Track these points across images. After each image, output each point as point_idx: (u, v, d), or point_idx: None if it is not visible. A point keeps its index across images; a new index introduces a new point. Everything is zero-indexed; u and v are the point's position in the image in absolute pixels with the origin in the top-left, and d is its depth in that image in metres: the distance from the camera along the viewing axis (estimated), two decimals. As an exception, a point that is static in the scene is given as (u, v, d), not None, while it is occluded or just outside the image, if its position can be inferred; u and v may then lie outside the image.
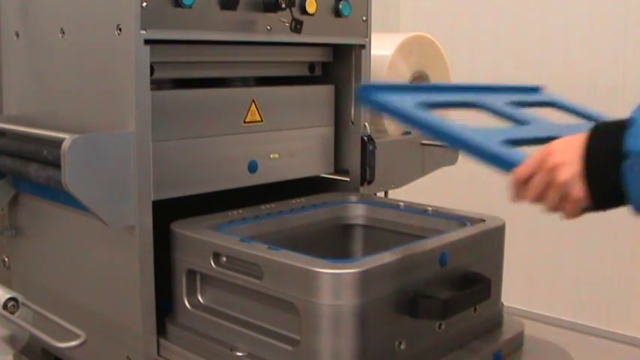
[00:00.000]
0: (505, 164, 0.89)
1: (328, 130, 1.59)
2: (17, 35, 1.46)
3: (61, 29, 1.32)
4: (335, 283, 1.03)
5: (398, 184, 1.72)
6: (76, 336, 1.09)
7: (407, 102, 1.01)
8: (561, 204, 0.85)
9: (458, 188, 2.53)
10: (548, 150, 0.85)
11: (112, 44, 1.21)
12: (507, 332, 1.34)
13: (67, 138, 1.14)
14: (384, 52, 1.75)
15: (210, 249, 1.19)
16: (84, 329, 1.11)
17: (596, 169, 0.81)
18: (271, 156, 1.47)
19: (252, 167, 1.43)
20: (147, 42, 1.18)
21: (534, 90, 1.29)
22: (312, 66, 1.59)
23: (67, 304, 1.41)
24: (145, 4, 1.17)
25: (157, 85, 1.31)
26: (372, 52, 1.58)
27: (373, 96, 1.02)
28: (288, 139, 1.51)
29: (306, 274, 1.05)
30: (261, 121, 1.45)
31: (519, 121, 1.08)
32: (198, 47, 1.35)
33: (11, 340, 1.32)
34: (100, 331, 1.31)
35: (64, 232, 1.42)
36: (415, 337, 1.14)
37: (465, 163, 1.96)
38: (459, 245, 1.21)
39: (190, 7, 1.22)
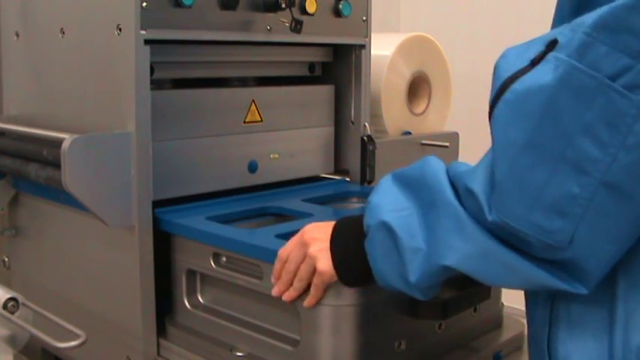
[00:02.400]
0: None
1: (328, 130, 1.59)
2: (17, 35, 1.46)
3: (61, 29, 1.32)
4: (335, 283, 1.02)
5: (398, 184, 1.72)
6: (76, 336, 1.09)
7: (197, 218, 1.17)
8: (311, 277, 0.97)
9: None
10: (305, 229, 0.97)
11: (112, 44, 1.21)
12: (507, 332, 1.34)
13: (67, 138, 1.14)
14: (384, 52, 1.75)
15: (210, 249, 1.19)
16: (84, 329, 1.11)
17: (340, 246, 0.92)
18: (271, 156, 1.47)
19: (252, 167, 1.43)
20: (147, 42, 1.18)
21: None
22: (312, 66, 1.59)
23: (67, 304, 1.41)
24: (144, 4, 1.17)
25: (157, 85, 1.31)
26: (372, 52, 1.58)
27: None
28: (288, 139, 1.51)
29: None
30: (261, 121, 1.45)
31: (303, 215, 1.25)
32: (198, 47, 1.35)
33: (11, 340, 1.31)
34: (100, 331, 1.30)
35: (64, 232, 1.42)
36: (415, 337, 1.14)
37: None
38: None
39: (190, 7, 1.22)
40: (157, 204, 1.25)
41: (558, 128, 0.67)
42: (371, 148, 1.58)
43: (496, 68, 0.74)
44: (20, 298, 1.14)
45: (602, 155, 0.66)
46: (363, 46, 1.56)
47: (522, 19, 2.67)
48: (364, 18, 1.55)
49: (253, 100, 1.43)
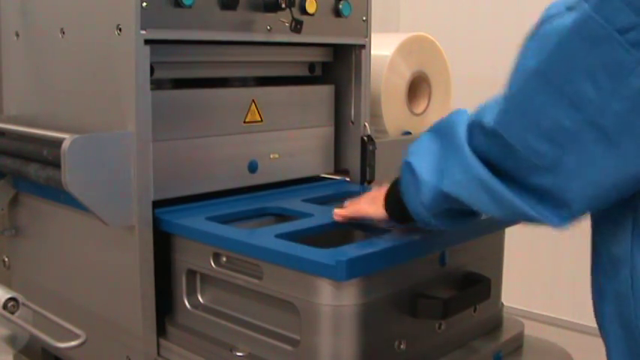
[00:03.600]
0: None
1: (328, 130, 1.59)
2: (17, 35, 1.46)
3: (61, 29, 1.32)
4: (335, 284, 1.03)
5: (398, 184, 1.72)
6: (76, 336, 1.09)
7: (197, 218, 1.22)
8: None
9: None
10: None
11: (112, 44, 1.21)
12: (507, 332, 1.34)
13: (67, 138, 1.14)
14: (384, 52, 1.75)
15: (210, 249, 1.19)
16: (84, 329, 1.10)
17: (389, 192, 1.10)
18: (271, 156, 1.47)
19: (252, 167, 1.43)
20: (147, 42, 1.18)
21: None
22: (312, 66, 1.59)
23: (67, 304, 1.41)
24: (144, 4, 1.17)
25: (157, 85, 1.31)
26: (372, 52, 1.58)
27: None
28: (288, 139, 1.51)
29: (307, 275, 1.05)
30: (261, 121, 1.45)
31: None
32: (198, 47, 1.34)
33: (11, 340, 1.31)
34: (100, 331, 1.31)
35: (64, 232, 1.42)
36: (415, 337, 1.14)
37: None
38: (459, 244, 1.21)
39: (190, 7, 1.22)
40: (157, 204, 1.25)
41: (564, 64, 0.75)
42: (371, 148, 1.58)
43: (543, 13, 0.82)
44: (20, 298, 1.14)
45: (597, 98, 0.73)
46: (363, 46, 1.56)
47: (522, 19, 2.66)
48: (364, 18, 1.55)
49: (253, 100, 1.43)
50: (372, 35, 1.56)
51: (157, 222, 1.24)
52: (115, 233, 1.25)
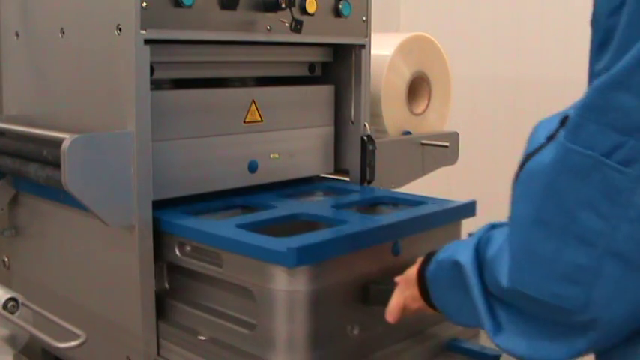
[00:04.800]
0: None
1: (328, 130, 1.59)
2: (17, 35, 1.46)
3: (61, 29, 1.32)
4: (288, 270, 1.08)
5: (398, 184, 1.72)
6: (76, 336, 1.09)
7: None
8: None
9: (458, 188, 2.54)
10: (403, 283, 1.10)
11: (112, 44, 1.21)
12: None
13: (67, 138, 1.14)
14: (384, 52, 1.75)
15: (176, 239, 1.23)
16: (84, 329, 1.10)
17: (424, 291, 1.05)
18: (271, 156, 1.47)
19: (252, 167, 1.43)
20: (147, 42, 1.18)
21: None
22: (312, 66, 1.59)
23: (67, 304, 1.41)
24: (144, 4, 1.17)
25: (157, 85, 1.31)
26: (372, 52, 1.58)
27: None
28: (288, 139, 1.51)
29: (261, 262, 1.11)
30: (261, 121, 1.45)
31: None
32: (198, 47, 1.34)
33: (11, 340, 1.31)
34: (100, 331, 1.31)
35: (64, 232, 1.42)
36: (368, 323, 1.18)
37: (465, 162, 1.96)
38: (414, 235, 1.24)
39: (190, 7, 1.22)
40: (157, 204, 1.25)
41: (561, 205, 0.72)
42: (371, 148, 1.58)
43: (528, 140, 0.79)
44: (20, 298, 1.14)
45: (605, 227, 0.70)
46: (363, 46, 1.56)
47: (522, 19, 2.67)
48: (364, 18, 1.55)
49: (253, 100, 1.43)
50: (372, 35, 1.56)
51: (156, 222, 1.24)
52: (115, 233, 1.25)
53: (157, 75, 1.29)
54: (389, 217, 1.35)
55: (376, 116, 1.72)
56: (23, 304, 1.15)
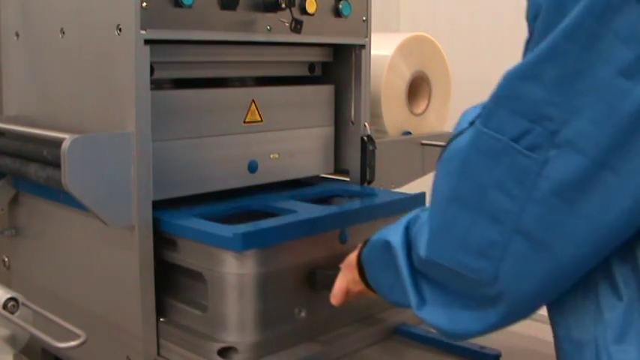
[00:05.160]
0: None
1: (328, 130, 1.59)
2: (17, 35, 1.46)
3: (61, 29, 1.32)
4: (236, 254, 1.16)
5: (398, 184, 1.72)
6: (76, 336, 1.09)
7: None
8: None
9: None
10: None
11: (112, 44, 1.21)
12: None
13: (67, 138, 1.14)
14: (384, 52, 1.75)
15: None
16: (84, 329, 1.10)
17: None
18: (271, 156, 1.47)
19: (252, 167, 1.43)
20: (147, 42, 1.18)
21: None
22: (312, 66, 1.59)
23: (67, 304, 1.41)
24: (144, 4, 1.17)
25: (157, 85, 1.31)
26: (372, 52, 1.58)
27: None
28: (288, 139, 1.50)
29: (212, 247, 1.18)
30: (261, 121, 1.45)
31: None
32: (198, 47, 1.34)
33: (11, 340, 1.31)
34: (100, 331, 1.31)
35: (64, 232, 1.42)
36: (315, 306, 1.25)
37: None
38: (362, 224, 1.27)
39: (190, 7, 1.22)
40: (157, 204, 1.25)
41: (475, 184, 0.78)
42: (371, 148, 1.58)
43: (455, 125, 0.86)
44: (20, 298, 1.14)
45: (513, 207, 0.75)
46: (363, 46, 1.56)
47: (522, 19, 2.67)
48: (364, 18, 1.55)
49: (253, 100, 1.43)
50: (372, 35, 1.56)
51: (156, 222, 1.24)
52: (115, 233, 1.25)
53: (157, 75, 1.29)
54: (337, 207, 1.40)
55: (376, 116, 1.72)
56: (23, 304, 1.15)
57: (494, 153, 0.76)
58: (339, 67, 1.60)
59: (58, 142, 1.16)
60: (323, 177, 1.64)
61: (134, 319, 1.24)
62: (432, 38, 1.86)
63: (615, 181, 0.70)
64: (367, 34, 1.56)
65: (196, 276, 1.23)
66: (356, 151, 1.59)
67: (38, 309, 1.16)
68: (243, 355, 1.18)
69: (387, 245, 0.97)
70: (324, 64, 1.61)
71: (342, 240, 1.30)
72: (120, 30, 1.19)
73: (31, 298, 1.18)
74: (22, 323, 1.13)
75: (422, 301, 0.92)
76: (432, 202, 0.85)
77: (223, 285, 1.18)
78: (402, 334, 1.36)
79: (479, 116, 0.78)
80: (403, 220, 0.97)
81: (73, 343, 1.08)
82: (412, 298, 0.92)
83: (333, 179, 1.65)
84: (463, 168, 0.79)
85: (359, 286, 1.11)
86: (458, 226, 0.81)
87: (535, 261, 0.76)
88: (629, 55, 0.67)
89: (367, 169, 1.58)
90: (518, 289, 0.79)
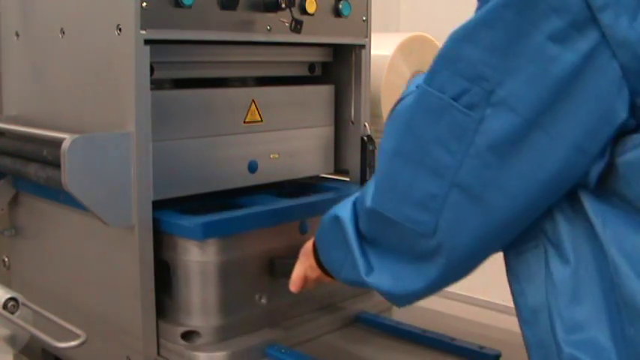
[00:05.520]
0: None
1: (328, 130, 1.59)
2: (17, 35, 1.46)
3: (61, 29, 1.32)
4: (198, 243, 1.23)
5: (398, 184, 1.72)
6: (76, 336, 1.09)
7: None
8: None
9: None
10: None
11: (112, 44, 1.21)
12: (377, 295, 1.42)
13: (67, 138, 1.14)
14: (384, 52, 1.75)
15: None
16: (84, 329, 1.11)
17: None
18: (271, 156, 1.47)
19: (252, 167, 1.43)
20: (147, 42, 1.18)
21: None
22: (312, 66, 1.59)
23: (67, 304, 1.41)
24: (144, 4, 1.17)
25: (157, 85, 1.31)
26: (372, 52, 1.58)
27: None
28: (288, 139, 1.51)
29: (175, 237, 1.25)
30: (261, 121, 1.45)
31: None
32: (198, 47, 1.35)
33: (11, 340, 1.32)
34: (100, 331, 1.31)
35: (64, 232, 1.42)
36: (275, 293, 1.32)
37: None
38: (319, 214, 1.25)
39: (190, 7, 1.22)
40: (156, 204, 1.25)
41: (417, 140, 0.83)
42: (371, 148, 1.58)
43: (405, 90, 0.91)
44: (20, 298, 1.14)
45: (452, 162, 0.79)
46: (363, 46, 1.56)
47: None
48: (364, 18, 1.55)
49: (253, 100, 1.43)
50: (372, 35, 1.56)
51: (156, 222, 1.25)
52: (115, 233, 1.25)
53: (157, 75, 1.29)
54: (298, 199, 1.43)
55: (376, 116, 1.72)
56: (23, 304, 1.15)
57: (436, 111, 0.80)
58: (339, 67, 1.60)
59: (58, 142, 1.16)
60: (323, 177, 1.64)
61: (134, 319, 1.24)
62: (432, 38, 1.86)
63: (546, 140, 0.75)
64: (367, 34, 1.56)
65: (160, 264, 1.27)
66: (356, 151, 1.59)
67: (38, 309, 1.17)
68: (205, 338, 1.25)
69: (336, 220, 1.01)
70: (324, 64, 1.61)
71: (302, 231, 1.36)
72: (120, 30, 1.19)
73: (31, 298, 1.18)
74: (22, 323, 1.13)
75: (369, 267, 0.96)
76: (379, 157, 0.90)
77: (187, 272, 1.25)
78: (363, 321, 1.42)
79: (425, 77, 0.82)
80: (352, 197, 1.01)
81: (73, 343, 1.08)
82: (361, 265, 0.97)
83: (333, 179, 1.65)
84: (407, 124, 0.84)
85: (316, 273, 1.15)
86: (401, 180, 0.85)
87: (471, 214, 0.81)
88: (559, 23, 0.71)
89: (367, 169, 1.58)
90: (456, 242, 0.83)
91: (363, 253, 0.97)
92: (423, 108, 0.82)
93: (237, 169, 1.42)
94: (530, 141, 0.75)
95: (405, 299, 0.96)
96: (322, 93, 1.58)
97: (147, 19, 1.17)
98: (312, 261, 1.14)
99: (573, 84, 0.73)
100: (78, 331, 1.10)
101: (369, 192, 0.92)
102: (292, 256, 1.22)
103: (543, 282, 0.80)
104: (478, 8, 0.78)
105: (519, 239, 0.83)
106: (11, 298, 1.13)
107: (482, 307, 2.26)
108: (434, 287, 0.92)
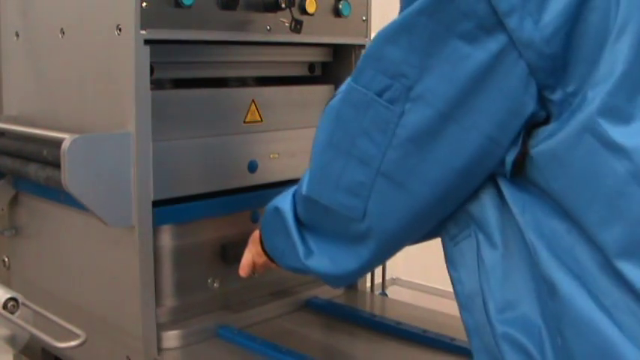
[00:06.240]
0: None
1: (328, 130, 1.59)
2: (17, 35, 1.46)
3: (61, 29, 1.32)
4: (155, 230, 1.26)
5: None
6: (76, 336, 1.09)
7: None
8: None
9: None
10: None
11: (112, 44, 1.21)
12: None
13: (67, 138, 1.14)
14: (384, 52, 1.74)
15: None
16: (84, 329, 1.11)
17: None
18: (271, 156, 1.47)
19: (252, 167, 1.43)
20: (147, 42, 1.18)
21: None
22: (312, 66, 1.59)
23: (67, 304, 1.41)
24: (144, 4, 1.17)
25: (157, 85, 1.31)
26: (372, 52, 1.58)
27: None
28: (288, 139, 1.50)
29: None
30: (261, 121, 1.45)
31: None
32: (198, 47, 1.35)
33: (11, 340, 1.32)
34: (100, 331, 1.31)
35: (64, 232, 1.42)
36: (228, 278, 1.40)
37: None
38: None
39: (190, 7, 1.22)
40: (156, 204, 1.25)
41: (346, 132, 0.90)
42: (371, 148, 1.58)
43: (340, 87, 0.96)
44: (20, 298, 1.14)
45: (377, 152, 0.86)
46: (363, 46, 1.56)
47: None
48: (364, 18, 1.55)
49: (253, 100, 1.43)
50: (372, 35, 1.56)
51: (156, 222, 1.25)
52: (115, 233, 1.25)
53: (157, 75, 1.29)
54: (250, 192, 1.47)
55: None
56: (23, 304, 1.15)
57: (362, 105, 0.87)
58: (339, 67, 1.60)
59: (58, 142, 1.16)
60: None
61: (134, 319, 1.24)
62: (432, 38, 1.86)
63: (459, 132, 0.81)
64: (367, 34, 1.56)
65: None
66: (356, 151, 1.59)
67: (38, 309, 1.16)
68: (161, 319, 1.30)
69: (276, 210, 1.08)
70: (324, 64, 1.61)
71: (254, 220, 1.44)
72: (120, 30, 1.19)
73: (31, 298, 1.18)
74: (22, 323, 1.13)
75: (309, 251, 1.03)
76: (313, 147, 0.97)
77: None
78: (312, 306, 1.50)
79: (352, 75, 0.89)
80: (291, 189, 1.08)
81: (73, 343, 1.08)
82: (300, 250, 1.03)
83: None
84: (337, 118, 0.91)
85: (262, 259, 1.21)
86: (332, 168, 0.92)
87: (396, 199, 0.87)
88: (469, 26, 0.77)
89: (367, 169, 1.58)
90: (383, 225, 0.90)
91: (302, 239, 1.04)
92: (350, 103, 0.89)
93: (237, 169, 1.42)
94: (446, 132, 0.81)
95: (342, 280, 1.04)
96: (322, 93, 1.58)
97: (147, 19, 1.17)
98: (258, 248, 1.20)
99: (483, 81, 0.78)
100: (78, 331, 1.10)
101: (304, 181, 0.99)
102: (243, 243, 1.27)
103: (476, 268, 0.85)
104: (400, 11, 0.83)
105: (455, 230, 0.89)
106: (11, 298, 1.13)
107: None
108: (367, 267, 1.00)
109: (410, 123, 0.83)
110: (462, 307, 0.89)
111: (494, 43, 0.76)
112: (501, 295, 0.83)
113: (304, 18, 1.37)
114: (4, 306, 1.12)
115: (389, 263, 2.02)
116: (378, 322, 1.40)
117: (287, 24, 1.35)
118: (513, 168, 0.81)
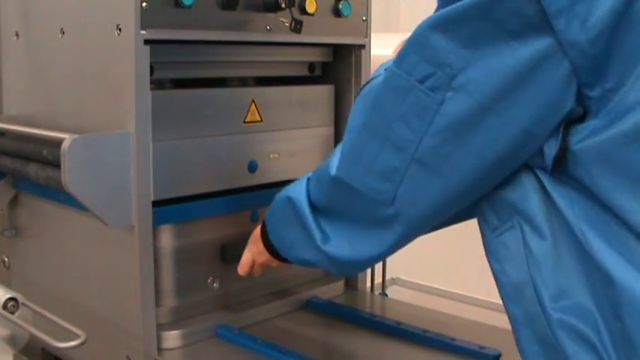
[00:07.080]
0: None
1: (328, 130, 1.59)
2: (17, 35, 1.46)
3: (61, 29, 1.32)
4: (155, 230, 1.27)
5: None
6: (76, 336, 1.09)
7: None
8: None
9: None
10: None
11: (112, 44, 1.21)
12: (330, 280, 1.57)
13: (67, 138, 1.14)
14: (384, 52, 1.75)
15: None
16: (84, 329, 1.11)
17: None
18: (271, 156, 1.47)
19: (252, 167, 1.43)
20: (147, 42, 1.18)
21: None
22: (312, 66, 1.59)
23: (67, 304, 1.41)
24: (144, 4, 1.17)
25: (157, 85, 1.31)
26: (372, 52, 1.58)
27: None
28: (288, 139, 1.51)
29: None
30: (261, 121, 1.45)
31: None
32: (198, 47, 1.35)
33: (11, 340, 1.32)
34: (100, 331, 1.31)
35: (64, 232, 1.42)
36: (229, 278, 1.40)
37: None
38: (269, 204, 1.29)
39: (190, 7, 1.22)
40: (156, 204, 1.25)
41: (383, 116, 0.90)
42: (371, 148, 1.58)
43: (374, 73, 0.98)
44: (20, 298, 1.14)
45: (413, 138, 0.87)
46: (363, 46, 1.56)
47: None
48: (364, 18, 1.55)
49: (253, 100, 1.43)
50: (372, 35, 1.56)
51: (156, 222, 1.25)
52: (115, 233, 1.25)
53: (157, 75, 1.29)
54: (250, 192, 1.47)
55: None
56: (23, 304, 1.15)
57: (402, 91, 0.87)
58: (339, 67, 1.60)
59: (58, 142, 1.16)
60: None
61: (134, 319, 1.24)
62: (432, 38, 1.86)
63: (498, 124, 0.82)
64: (367, 34, 1.56)
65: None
66: (356, 151, 1.59)
67: (38, 309, 1.17)
68: (160, 319, 1.30)
69: (288, 200, 1.09)
70: (324, 64, 1.61)
71: (253, 219, 1.44)
72: (120, 30, 1.19)
73: (31, 298, 1.18)
74: (22, 323, 1.13)
75: (326, 237, 1.04)
76: (347, 129, 0.97)
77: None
78: (314, 306, 1.50)
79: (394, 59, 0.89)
80: (304, 177, 1.09)
81: (73, 343, 1.08)
82: (317, 236, 1.04)
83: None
84: (375, 102, 0.92)
85: (263, 257, 1.23)
86: (366, 152, 0.93)
87: (427, 186, 0.89)
88: (518, 24, 0.78)
89: (367, 169, 1.59)
90: (412, 210, 0.92)
91: (318, 225, 1.05)
92: (390, 87, 0.89)
93: (237, 169, 1.42)
94: (484, 124, 0.83)
95: (359, 266, 1.07)
96: (322, 93, 1.58)
97: (147, 19, 1.17)
98: (259, 247, 1.22)
99: (527, 77, 0.79)
100: (78, 331, 1.10)
101: (333, 162, 0.99)
102: (243, 243, 1.29)
103: (524, 259, 0.85)
104: (447, 3, 0.83)
105: (496, 221, 0.90)
106: (11, 298, 1.13)
107: (482, 307, 2.27)
108: (388, 252, 1.01)
109: (450, 112, 0.84)
110: (508, 298, 0.89)
111: (540, 42, 0.77)
112: (555, 284, 0.83)
113: (304, 18, 1.37)
114: (4, 306, 1.12)
115: (389, 263, 2.04)
116: (378, 322, 1.41)
117: (287, 24, 1.35)
118: (553, 163, 0.82)
